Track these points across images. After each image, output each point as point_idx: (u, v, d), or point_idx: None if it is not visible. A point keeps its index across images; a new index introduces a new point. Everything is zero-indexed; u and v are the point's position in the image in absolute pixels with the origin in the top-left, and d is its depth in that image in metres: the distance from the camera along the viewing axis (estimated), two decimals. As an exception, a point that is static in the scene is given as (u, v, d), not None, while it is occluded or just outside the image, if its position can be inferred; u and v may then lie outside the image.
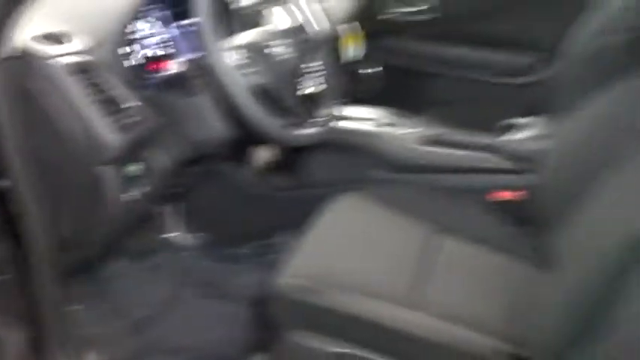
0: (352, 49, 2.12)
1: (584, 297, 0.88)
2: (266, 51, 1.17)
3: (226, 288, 1.68)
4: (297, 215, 1.71)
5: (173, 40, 1.32)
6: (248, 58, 1.12)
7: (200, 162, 1.32)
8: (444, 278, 1.18)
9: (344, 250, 1.23)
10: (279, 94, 1.15)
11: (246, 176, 1.72)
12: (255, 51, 1.15)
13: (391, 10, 2.25)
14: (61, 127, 0.96)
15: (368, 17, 2.16)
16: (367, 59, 2.32)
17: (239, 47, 1.13)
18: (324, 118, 1.28)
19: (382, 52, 2.36)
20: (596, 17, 1.84)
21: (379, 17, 2.27)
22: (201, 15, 1.04)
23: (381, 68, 2.34)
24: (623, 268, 0.79)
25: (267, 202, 1.74)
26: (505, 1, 2.11)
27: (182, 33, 1.35)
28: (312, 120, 1.24)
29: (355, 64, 2.22)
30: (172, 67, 1.11)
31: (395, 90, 2.31)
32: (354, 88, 2.13)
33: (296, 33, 1.30)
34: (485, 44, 2.21)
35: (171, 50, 1.30)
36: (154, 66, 1.25)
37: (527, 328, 1.00)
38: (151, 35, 1.26)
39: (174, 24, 1.33)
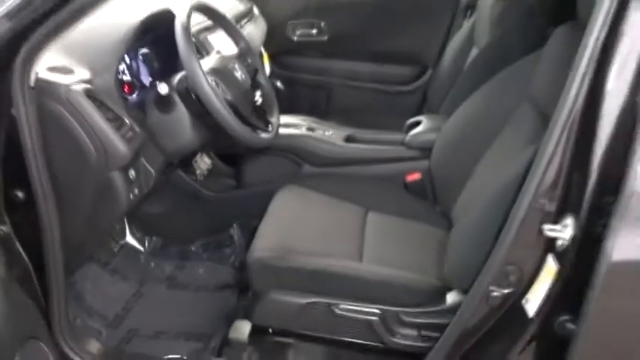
0: (268, 67, 2.45)
1: (476, 236, 1.27)
2: (228, 73, 1.45)
3: (182, 280, 1.91)
4: (240, 211, 2.00)
5: (133, 67, 1.56)
6: (216, 79, 1.40)
7: (173, 168, 1.55)
8: (376, 242, 1.53)
9: (296, 227, 1.55)
10: (242, 107, 1.43)
11: (193, 182, 1.95)
12: (220, 74, 1.42)
13: (290, 34, 2.63)
14: (81, 141, 1.17)
15: (270, 40, 2.51)
16: (271, 76, 2.66)
17: (208, 71, 1.40)
18: (275, 124, 1.58)
19: (284, 69, 2.72)
20: (458, 36, 2.35)
21: (280, 40, 2.63)
22: (182, 44, 1.29)
23: (282, 85, 2.69)
24: (497, 212, 1.18)
25: (213, 203, 1.99)
26: (381, 27, 2.56)
27: (139, 61, 1.59)
28: (266, 126, 1.54)
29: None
30: (162, 87, 1.33)
31: (303, 100, 2.68)
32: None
33: (242, 56, 1.60)
34: (371, 60, 2.65)
35: (132, 75, 1.54)
36: (125, 89, 1.48)
37: (445, 267, 1.39)
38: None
39: (135, 53, 1.57)
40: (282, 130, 1.91)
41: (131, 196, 1.29)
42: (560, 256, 1.01)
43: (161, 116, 1.39)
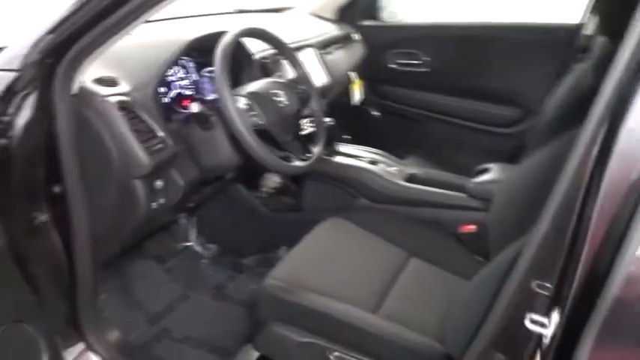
0: (357, 93, 2.42)
1: (471, 307, 1.11)
2: (268, 98, 1.46)
3: (229, 292, 1.96)
4: (292, 234, 2.00)
5: (198, 83, 1.65)
6: (251, 103, 1.42)
7: (211, 183, 1.61)
8: (402, 291, 1.43)
9: (322, 262, 1.50)
10: (277, 133, 1.43)
11: (252, 198, 2.00)
12: (258, 98, 1.44)
13: (390, 62, 2.56)
14: (107, 148, 1.26)
15: (369, 67, 2.47)
16: (366, 103, 2.62)
17: (246, 94, 1.43)
18: (315, 154, 1.56)
19: (379, 97, 2.66)
20: (568, 78, 2.10)
21: (379, 67, 2.58)
22: (218, 66, 1.34)
23: (378, 113, 2.63)
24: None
25: (268, 221, 2.02)
26: (486, 63, 2.39)
27: (205, 78, 1.67)
28: (305, 155, 1.52)
29: (359, 107, 2.53)
30: (194, 106, 1.40)
31: (389, 131, 2.61)
32: (358, 127, 2.44)
33: (296, 84, 1.60)
34: (471, 97, 2.48)
35: (196, 91, 1.63)
36: (183, 103, 1.57)
37: (446, 336, 1.24)
38: (181, 79, 1.59)
39: (200, 70, 1.65)
40: (341, 160, 1.89)
41: (154, 205, 1.35)
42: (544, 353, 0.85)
43: (201, 133, 1.45)
